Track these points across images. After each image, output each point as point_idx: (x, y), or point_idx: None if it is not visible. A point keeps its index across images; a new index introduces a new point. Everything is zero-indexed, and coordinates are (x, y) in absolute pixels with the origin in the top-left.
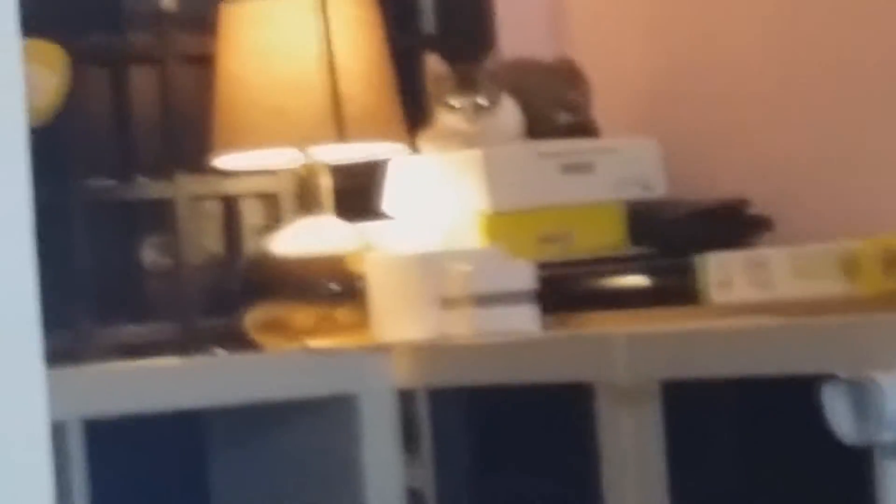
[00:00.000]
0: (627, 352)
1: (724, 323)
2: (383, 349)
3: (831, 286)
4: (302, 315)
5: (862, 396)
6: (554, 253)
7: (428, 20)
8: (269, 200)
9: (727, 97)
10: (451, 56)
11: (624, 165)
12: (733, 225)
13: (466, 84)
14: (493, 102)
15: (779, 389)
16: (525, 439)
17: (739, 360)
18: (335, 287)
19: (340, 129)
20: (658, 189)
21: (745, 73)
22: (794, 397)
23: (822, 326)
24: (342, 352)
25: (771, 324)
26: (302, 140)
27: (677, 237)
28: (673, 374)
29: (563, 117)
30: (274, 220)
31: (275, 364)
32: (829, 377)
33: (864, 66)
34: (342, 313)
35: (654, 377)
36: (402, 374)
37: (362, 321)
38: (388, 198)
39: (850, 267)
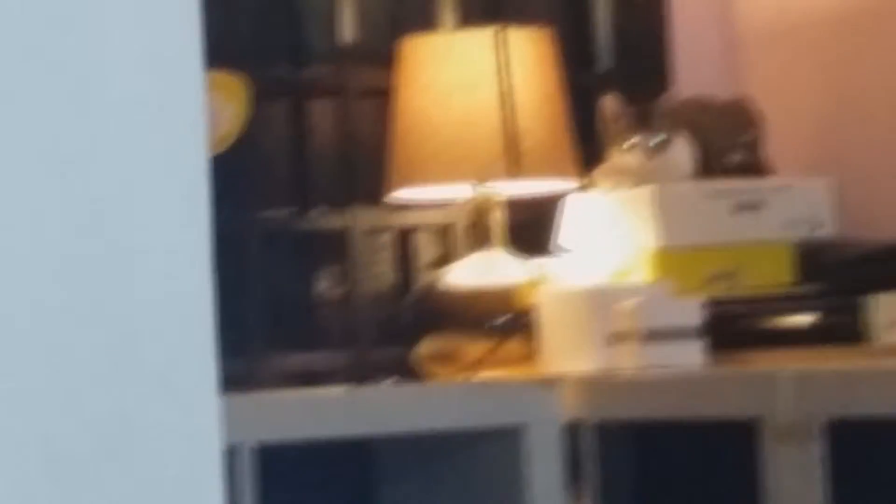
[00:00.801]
0: (793, 389)
1: (892, 363)
2: (550, 382)
3: None
4: (471, 347)
5: None
6: (722, 290)
7: (605, 58)
8: (443, 233)
9: None
10: (627, 94)
11: (795, 204)
12: None
13: (642, 122)
14: (668, 140)
15: None
16: (689, 476)
17: None
18: (505, 320)
19: (516, 165)
20: (829, 228)
21: None
22: None
23: None
24: (510, 383)
25: None
26: (477, 174)
27: (846, 278)
28: (839, 413)
29: (736, 156)
30: (447, 252)
31: (443, 394)
32: None
33: None
34: (511, 346)
35: (820, 416)
36: (568, 407)
37: (531, 354)
38: (560, 233)
39: None
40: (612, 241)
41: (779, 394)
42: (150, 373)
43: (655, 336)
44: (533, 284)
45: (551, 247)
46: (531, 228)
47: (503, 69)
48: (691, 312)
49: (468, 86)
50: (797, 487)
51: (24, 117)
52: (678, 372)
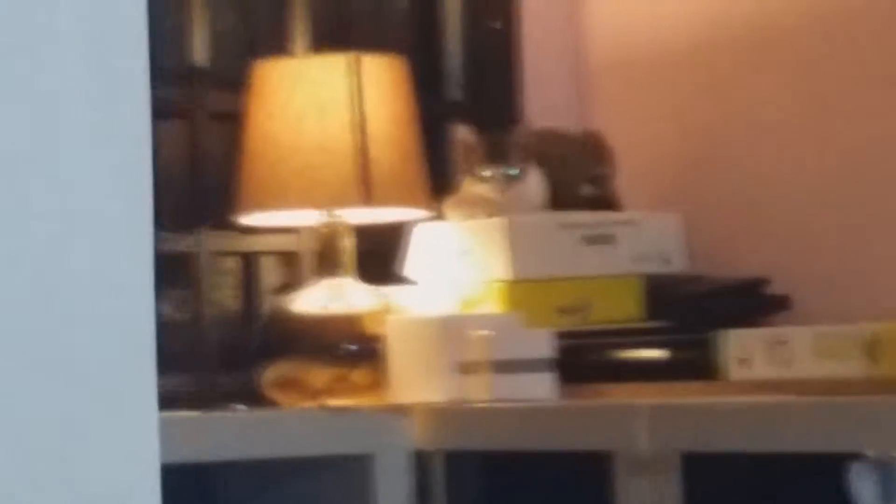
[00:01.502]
0: (650, 423)
1: (746, 398)
2: (401, 410)
3: (853, 367)
4: (318, 374)
5: (890, 476)
6: (572, 323)
7: (454, 87)
8: (290, 259)
9: (751, 175)
10: (476, 123)
11: (645, 239)
12: (751, 303)
13: (496, 153)
14: (521, 172)
15: (801, 466)
16: None
17: (763, 435)
18: (352, 347)
19: (367, 193)
20: (678, 264)
21: (769, 152)
22: (817, 475)
23: (845, 406)
24: (359, 411)
25: (795, 401)
26: (328, 201)
27: (695, 313)
28: (695, 447)
29: (588, 189)
30: (294, 278)
31: (292, 421)
32: (856, 456)
33: (890, 147)
34: (358, 374)
35: (676, 449)
36: (418, 436)
37: (378, 382)
38: (409, 262)
39: (873, 349)
40: (461, 271)
41: (636, 427)
42: (89, 389)
43: (506, 367)
44: (381, 312)
45: (400, 275)
46: (380, 256)
47: (356, 96)
48: (542, 344)
49: (320, 112)
50: None
51: None
52: (531, 403)
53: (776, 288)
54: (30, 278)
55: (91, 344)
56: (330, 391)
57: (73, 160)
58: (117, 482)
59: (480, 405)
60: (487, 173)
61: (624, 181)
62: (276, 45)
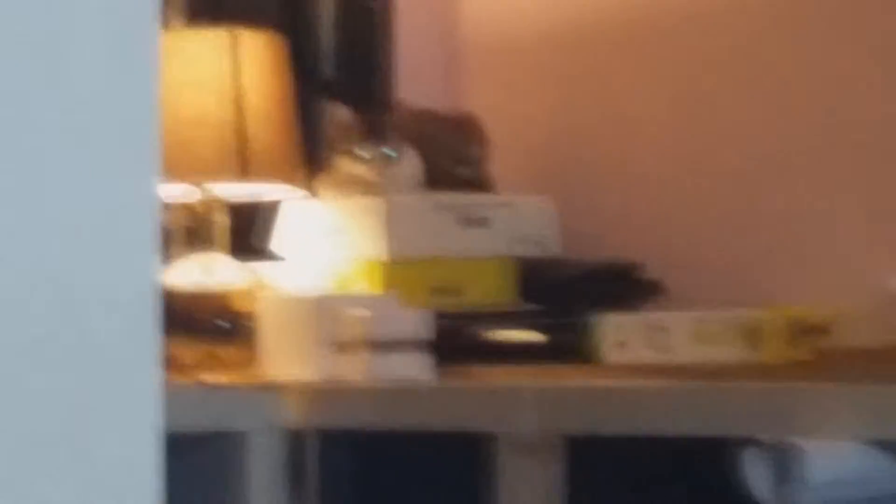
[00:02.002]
0: (534, 405)
1: (632, 382)
2: (274, 388)
3: (731, 353)
4: (188, 350)
5: (784, 461)
6: (445, 304)
7: (328, 66)
8: (161, 234)
9: (625, 159)
10: (348, 103)
11: (519, 222)
12: (624, 287)
13: (372, 133)
14: (397, 152)
15: (687, 451)
16: (418, 488)
17: (649, 419)
18: (223, 324)
19: (243, 168)
20: (552, 247)
21: (642, 136)
22: (705, 459)
23: (730, 391)
24: (232, 388)
25: (680, 385)
26: (203, 176)
27: (568, 297)
28: (580, 430)
29: (461, 171)
30: (163, 254)
31: (165, 397)
32: (750, 440)
33: (760, 132)
34: (229, 351)
35: (561, 431)
36: (292, 414)
37: (249, 360)
38: (280, 239)
39: (752, 335)
40: (333, 250)
41: (518, 409)
42: (92, 361)
43: (382, 347)
44: (252, 289)
45: (272, 252)
46: (253, 233)
47: (234, 70)
48: (419, 324)
49: (197, 86)
50: (535, 502)
51: None
52: (409, 383)
53: (649, 273)
54: (31, 251)
55: (96, 314)
56: (200, 367)
57: (77, 122)
58: (120, 454)
59: (356, 384)
60: (363, 153)
61: (497, 164)
62: None
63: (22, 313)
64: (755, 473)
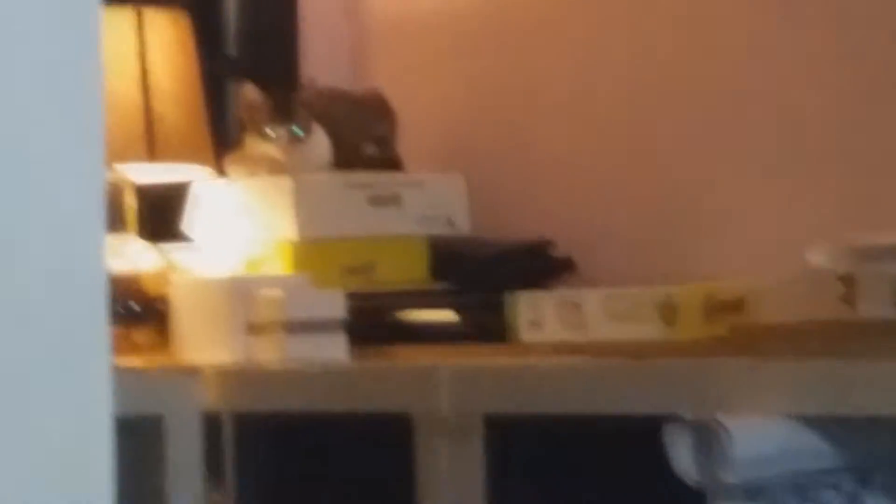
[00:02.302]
0: (450, 384)
1: (548, 361)
2: (190, 371)
3: (647, 330)
4: None
5: (706, 437)
6: (357, 284)
7: (233, 45)
8: None
9: (533, 137)
10: (255, 81)
11: (430, 200)
12: (536, 265)
13: (281, 112)
14: (305, 131)
15: (608, 429)
16: (338, 470)
17: (567, 398)
18: (134, 307)
19: (151, 149)
20: (463, 226)
21: (551, 113)
22: (625, 438)
23: (648, 368)
24: (148, 372)
25: (598, 363)
26: (111, 157)
27: (480, 275)
28: (497, 409)
29: (370, 149)
30: None
31: None
32: (671, 417)
33: (670, 105)
34: (141, 334)
35: (478, 411)
36: (208, 397)
37: (161, 343)
38: (190, 221)
39: (668, 312)
40: (244, 231)
41: (434, 389)
42: (43, 341)
43: (297, 328)
44: (163, 272)
45: (182, 234)
46: (163, 214)
47: (140, 50)
48: (335, 305)
49: (105, 66)
50: (453, 482)
51: None
52: (325, 365)
53: (560, 251)
54: None
55: (43, 295)
56: (113, 351)
57: (20, 100)
58: (70, 436)
59: (271, 366)
60: (272, 132)
61: (405, 142)
62: None
63: None
64: (678, 451)
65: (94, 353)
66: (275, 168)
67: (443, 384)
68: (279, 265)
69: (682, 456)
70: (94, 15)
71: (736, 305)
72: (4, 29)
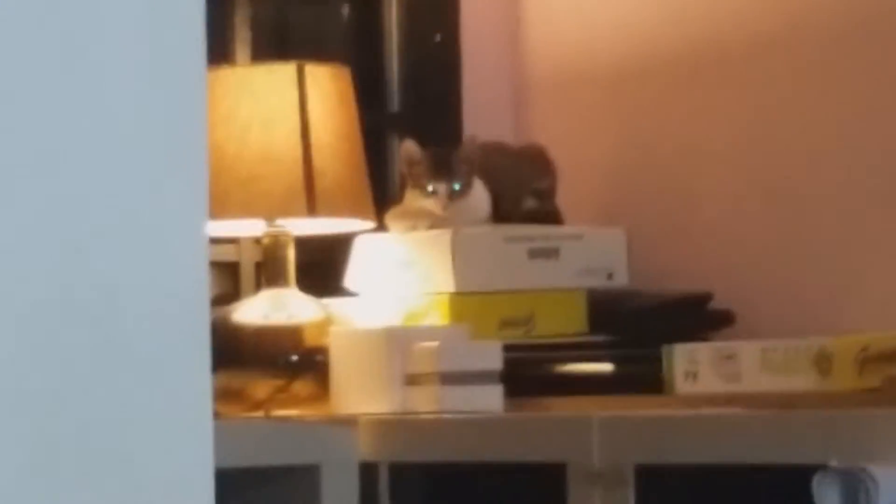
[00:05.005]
0: (603, 435)
1: (698, 411)
2: (347, 421)
3: (801, 381)
4: (260, 385)
5: (854, 487)
6: (514, 336)
7: (395, 99)
8: (230, 269)
9: (693, 190)
10: (416, 136)
11: (589, 253)
12: (695, 318)
13: (441, 168)
14: (466, 186)
15: (756, 479)
16: None
17: (717, 448)
18: (294, 358)
19: (311, 203)
20: (622, 279)
21: (711, 167)
22: (773, 487)
23: (799, 418)
24: (306, 422)
25: (749, 413)
26: (272, 212)
27: (639, 328)
28: (649, 459)
29: (530, 203)
30: (235, 289)
31: (237, 432)
32: (820, 467)
33: (828, 158)
34: (300, 385)
35: (630, 461)
36: (364, 447)
37: (320, 394)
38: (352, 274)
39: (823, 363)
40: (403, 284)
41: (587, 439)
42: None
43: (454, 379)
44: (323, 324)
45: (343, 287)
46: (323, 268)
47: (301, 105)
48: (490, 356)
49: (265, 121)
50: None
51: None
52: (480, 415)
53: (718, 303)
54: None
55: (147, 341)
56: (272, 402)
57: (126, 148)
58: (171, 482)
59: (427, 416)
60: (431, 188)
61: (564, 195)
62: (218, 53)
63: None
64: (827, 500)
65: (196, 402)
66: (435, 222)
67: (595, 434)
68: (437, 318)
69: None
70: (198, 77)
71: (891, 357)
72: (118, 98)
